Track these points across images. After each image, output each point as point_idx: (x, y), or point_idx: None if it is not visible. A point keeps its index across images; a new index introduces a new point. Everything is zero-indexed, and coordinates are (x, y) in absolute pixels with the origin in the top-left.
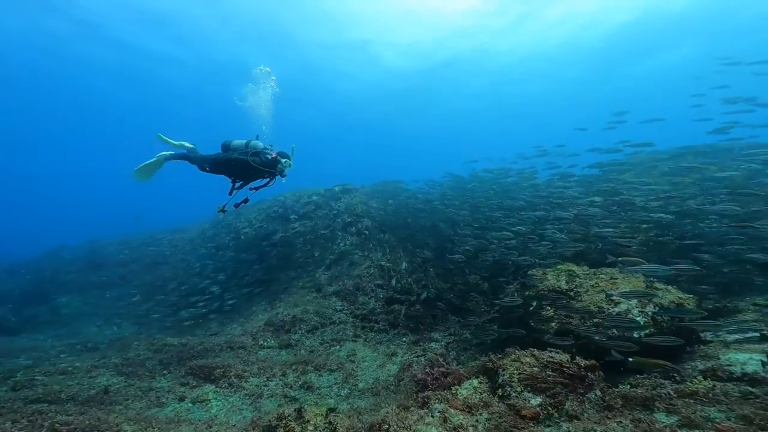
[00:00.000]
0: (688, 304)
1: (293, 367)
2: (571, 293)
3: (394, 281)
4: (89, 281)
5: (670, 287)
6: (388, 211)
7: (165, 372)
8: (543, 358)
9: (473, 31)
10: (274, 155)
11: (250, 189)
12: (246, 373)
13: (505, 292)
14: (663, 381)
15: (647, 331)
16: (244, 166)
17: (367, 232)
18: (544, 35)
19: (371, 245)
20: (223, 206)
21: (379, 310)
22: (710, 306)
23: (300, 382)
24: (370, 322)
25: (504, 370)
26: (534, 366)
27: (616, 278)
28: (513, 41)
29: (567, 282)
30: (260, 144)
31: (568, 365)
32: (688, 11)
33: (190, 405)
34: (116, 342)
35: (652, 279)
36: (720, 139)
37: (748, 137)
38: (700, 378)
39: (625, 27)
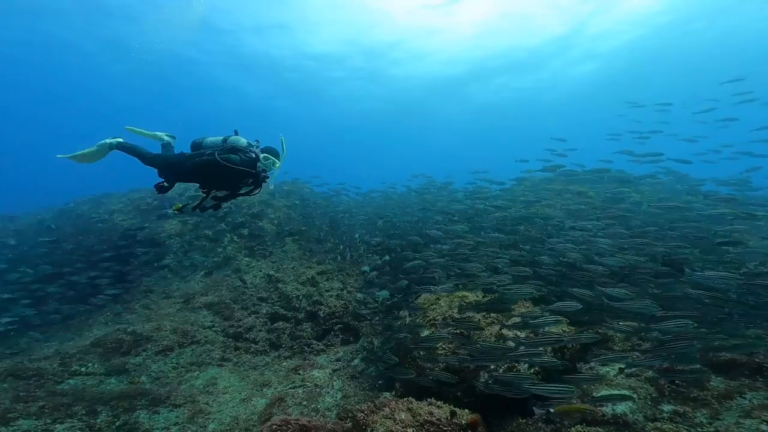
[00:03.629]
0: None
1: (114, 402)
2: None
3: (279, 294)
4: None
5: (562, 319)
6: (292, 213)
7: None
8: (421, 415)
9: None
10: (256, 153)
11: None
12: (12, 413)
13: (398, 317)
14: (543, 427)
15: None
16: (215, 169)
17: (260, 234)
18: None
19: (263, 251)
20: (183, 205)
21: (259, 327)
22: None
23: (118, 424)
24: (246, 342)
25: (374, 431)
26: (409, 425)
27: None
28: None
29: (460, 311)
30: (242, 140)
31: (447, 427)
32: None
33: None
34: None
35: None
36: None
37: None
38: (577, 426)
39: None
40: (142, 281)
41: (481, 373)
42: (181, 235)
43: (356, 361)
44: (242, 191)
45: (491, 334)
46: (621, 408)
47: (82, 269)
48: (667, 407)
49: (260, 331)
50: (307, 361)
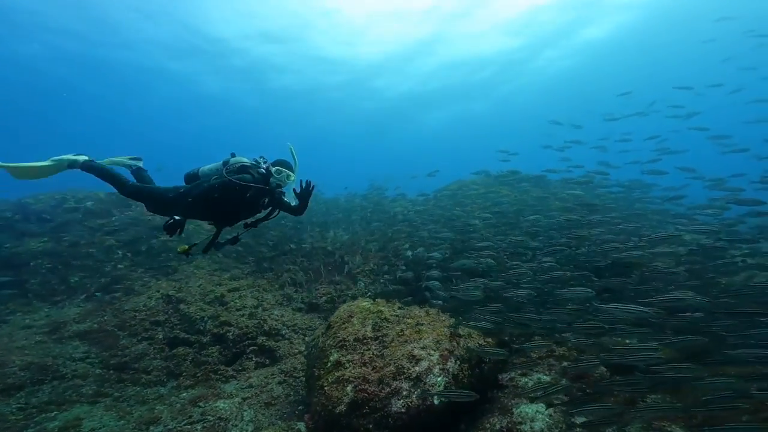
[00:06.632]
0: (488, 346)
1: None
2: (376, 343)
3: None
4: None
5: (473, 332)
6: (205, 224)
7: None
8: None
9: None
10: (267, 167)
11: (245, 226)
12: None
13: (313, 336)
14: None
15: (444, 397)
16: (229, 193)
17: (163, 252)
18: None
19: (166, 268)
20: (189, 247)
21: (153, 355)
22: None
23: None
24: (134, 372)
25: None
26: None
27: (422, 324)
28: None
29: (373, 329)
30: (244, 159)
31: None
32: None
33: None
34: None
35: (458, 324)
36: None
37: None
38: None
39: None
40: None
41: (393, 400)
42: (53, 254)
43: (272, 386)
44: (259, 216)
45: (403, 354)
46: (539, 424)
47: None
48: (579, 419)
49: (154, 359)
50: (211, 390)
